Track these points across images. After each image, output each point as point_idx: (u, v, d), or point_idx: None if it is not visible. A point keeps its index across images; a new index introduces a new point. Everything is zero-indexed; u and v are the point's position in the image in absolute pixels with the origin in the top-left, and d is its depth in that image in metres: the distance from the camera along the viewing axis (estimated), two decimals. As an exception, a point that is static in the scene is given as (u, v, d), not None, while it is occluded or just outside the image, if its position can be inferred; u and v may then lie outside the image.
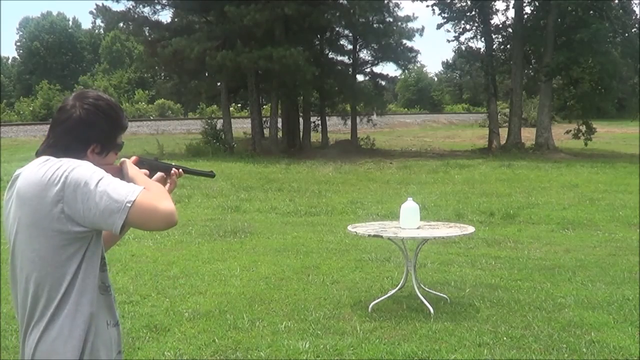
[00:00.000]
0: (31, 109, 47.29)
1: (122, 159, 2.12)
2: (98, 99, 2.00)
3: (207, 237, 9.07)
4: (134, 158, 2.19)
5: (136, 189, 1.83)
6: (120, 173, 2.07)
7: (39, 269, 1.88)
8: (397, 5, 29.77)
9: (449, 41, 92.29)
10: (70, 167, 1.85)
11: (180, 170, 2.29)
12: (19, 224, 1.90)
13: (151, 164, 2.25)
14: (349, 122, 28.71)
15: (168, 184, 2.25)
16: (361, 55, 28.79)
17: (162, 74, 36.91)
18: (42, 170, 1.88)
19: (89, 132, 1.96)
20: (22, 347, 1.98)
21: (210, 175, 2.55)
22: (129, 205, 1.79)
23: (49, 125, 2.04)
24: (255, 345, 4.82)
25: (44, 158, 1.93)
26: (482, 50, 28.99)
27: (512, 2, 28.28)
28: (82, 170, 1.84)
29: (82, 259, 1.89)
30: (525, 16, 27.68)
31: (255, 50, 22.67)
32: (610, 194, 13.52)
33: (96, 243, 1.93)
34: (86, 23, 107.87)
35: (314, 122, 28.05)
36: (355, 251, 8.06)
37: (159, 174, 2.24)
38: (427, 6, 28.47)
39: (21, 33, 74.98)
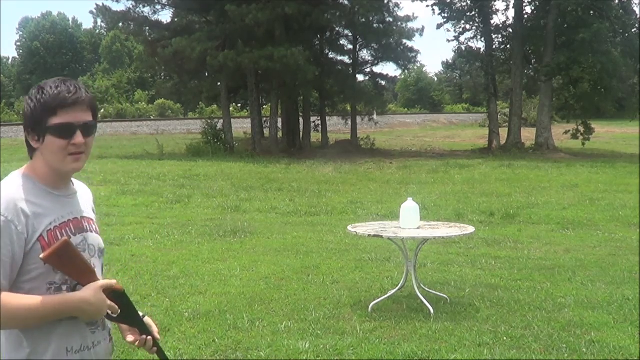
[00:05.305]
0: (31, 108, 47.24)
1: (102, 282, 1.87)
2: (36, 87, 1.88)
3: (207, 237, 9.06)
4: (113, 282, 1.91)
5: None
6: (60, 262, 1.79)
7: None
8: (397, 5, 29.85)
9: (449, 41, 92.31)
10: None
11: (151, 344, 2.09)
12: None
13: (129, 311, 2.05)
14: (349, 122, 28.72)
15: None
16: (361, 55, 28.82)
17: (162, 74, 36.89)
18: None
19: (25, 123, 1.88)
20: None
21: None
22: None
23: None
24: (255, 345, 4.82)
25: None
26: (482, 50, 29.01)
27: (512, 2, 28.37)
28: None
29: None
30: (525, 16, 27.72)
31: (256, 50, 22.67)
32: (610, 194, 13.52)
33: (24, 274, 1.79)
34: (86, 23, 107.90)
35: (314, 122, 28.06)
36: (355, 251, 8.06)
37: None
38: (427, 6, 28.56)
39: (21, 33, 75.12)
